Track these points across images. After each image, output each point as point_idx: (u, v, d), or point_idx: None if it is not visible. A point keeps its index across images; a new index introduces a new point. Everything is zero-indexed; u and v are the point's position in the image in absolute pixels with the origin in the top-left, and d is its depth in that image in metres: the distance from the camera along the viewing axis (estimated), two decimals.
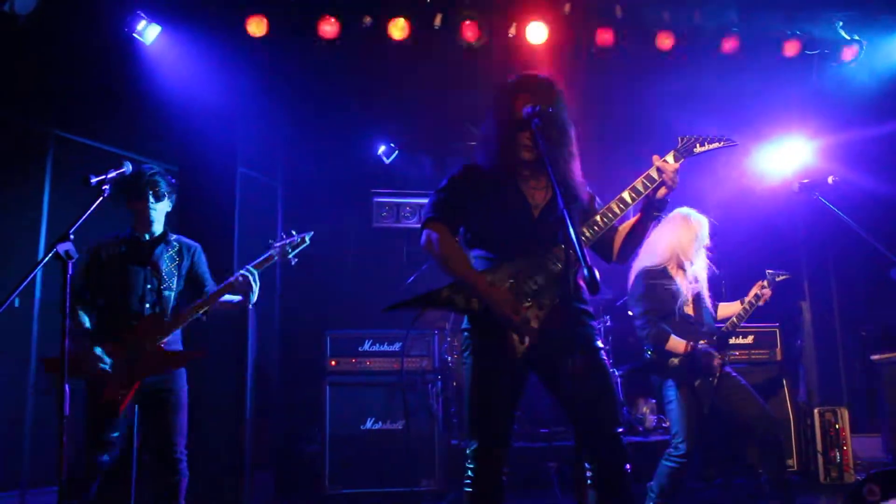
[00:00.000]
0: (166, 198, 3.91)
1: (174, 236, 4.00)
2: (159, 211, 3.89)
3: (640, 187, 2.94)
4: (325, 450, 5.32)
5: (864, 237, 3.90)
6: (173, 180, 3.97)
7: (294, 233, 4.04)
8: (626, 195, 2.93)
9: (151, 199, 3.83)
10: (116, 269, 3.80)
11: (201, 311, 3.83)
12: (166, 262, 3.89)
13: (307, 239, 4.04)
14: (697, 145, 3.03)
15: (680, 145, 3.02)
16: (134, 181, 3.77)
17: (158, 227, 3.92)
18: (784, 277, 4.76)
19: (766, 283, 4.68)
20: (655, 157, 2.92)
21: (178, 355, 3.84)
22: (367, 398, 5.44)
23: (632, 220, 3.04)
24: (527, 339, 2.72)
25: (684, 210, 4.71)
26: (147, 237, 3.89)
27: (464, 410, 2.95)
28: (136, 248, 3.87)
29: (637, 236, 3.04)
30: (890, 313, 6.57)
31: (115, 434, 3.66)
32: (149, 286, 3.81)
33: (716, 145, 3.05)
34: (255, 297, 3.85)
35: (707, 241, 4.66)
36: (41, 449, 4.97)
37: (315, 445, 5.68)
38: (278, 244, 3.99)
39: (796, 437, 5.76)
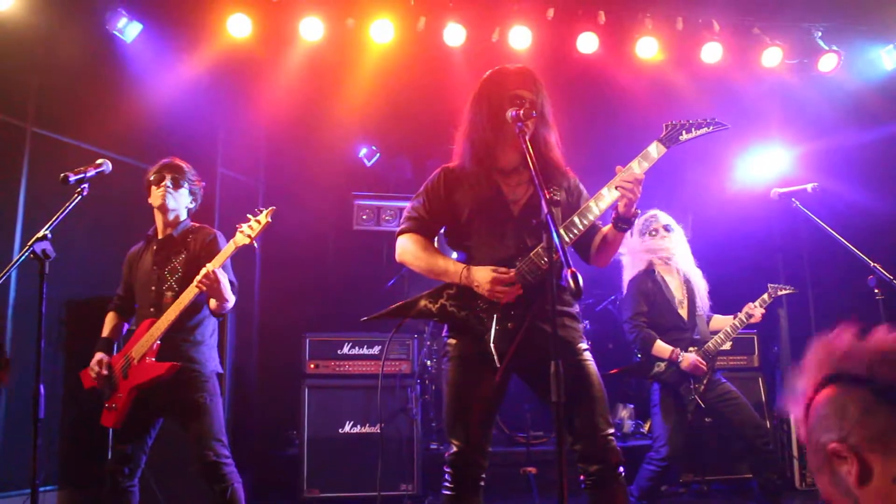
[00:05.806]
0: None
1: None
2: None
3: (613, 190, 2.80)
4: (302, 453, 5.27)
5: (843, 245, 3.92)
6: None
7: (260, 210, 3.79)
8: (604, 192, 2.78)
9: None
10: None
11: None
12: None
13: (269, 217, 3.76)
14: (684, 132, 2.81)
15: (664, 133, 2.83)
16: None
17: None
18: (787, 292, 4.72)
19: (767, 296, 4.66)
20: (618, 168, 2.76)
21: None
22: (345, 401, 5.39)
23: (605, 228, 2.94)
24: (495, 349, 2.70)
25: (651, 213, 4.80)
26: None
27: (443, 415, 2.91)
28: None
29: (609, 245, 2.94)
30: (866, 322, 6.61)
31: None
32: None
33: (704, 131, 2.81)
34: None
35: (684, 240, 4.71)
36: (13, 452, 4.88)
37: (293, 448, 5.63)
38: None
39: (773, 442, 5.80)
